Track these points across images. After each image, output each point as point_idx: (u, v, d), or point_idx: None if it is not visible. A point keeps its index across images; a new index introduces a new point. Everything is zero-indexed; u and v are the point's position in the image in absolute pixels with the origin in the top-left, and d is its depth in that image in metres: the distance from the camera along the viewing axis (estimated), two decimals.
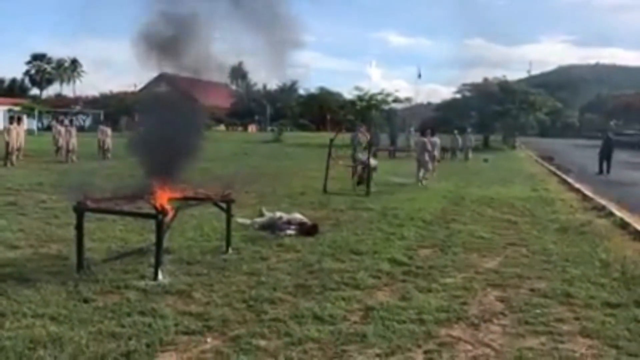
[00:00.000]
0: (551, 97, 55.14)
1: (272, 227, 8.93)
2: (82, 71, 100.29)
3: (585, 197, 14.95)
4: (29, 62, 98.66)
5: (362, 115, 50.41)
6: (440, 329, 4.95)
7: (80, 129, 47.44)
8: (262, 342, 4.50)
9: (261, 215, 9.69)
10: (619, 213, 11.64)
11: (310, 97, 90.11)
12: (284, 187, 15.36)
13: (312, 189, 14.79)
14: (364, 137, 20.11)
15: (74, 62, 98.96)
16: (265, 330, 4.74)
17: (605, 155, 24.75)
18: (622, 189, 17.99)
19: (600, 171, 24.21)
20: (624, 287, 6.30)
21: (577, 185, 17.87)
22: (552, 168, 26.46)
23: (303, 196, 13.56)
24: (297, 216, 9.37)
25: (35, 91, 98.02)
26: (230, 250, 7.46)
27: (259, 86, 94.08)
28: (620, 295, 5.98)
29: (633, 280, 6.52)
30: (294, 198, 13.09)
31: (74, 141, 24.29)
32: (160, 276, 6.05)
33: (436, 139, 19.85)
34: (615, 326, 5.08)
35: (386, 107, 54.52)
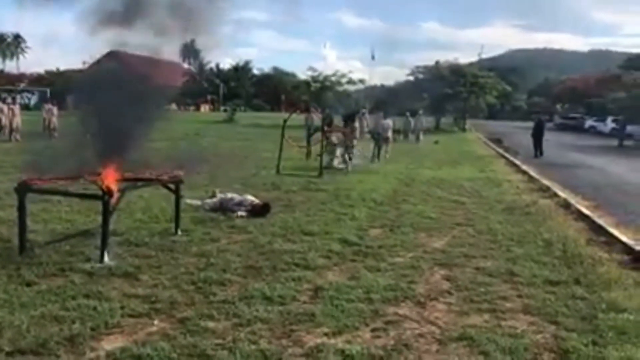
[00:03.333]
0: (501, 81, 56.29)
1: (223, 208, 8.86)
2: (27, 47, 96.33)
3: (531, 179, 15.40)
4: None
5: (316, 97, 50.45)
6: (388, 307, 5.02)
7: (25, 107, 45.89)
8: (211, 324, 4.47)
9: (213, 196, 9.59)
10: (562, 194, 12.04)
11: (265, 77, 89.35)
12: (236, 168, 15.24)
13: (265, 170, 14.73)
14: (317, 118, 20.11)
15: (17, 37, 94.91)
16: (214, 312, 4.71)
17: (537, 137, 25.38)
18: (567, 170, 18.60)
19: (536, 154, 24.70)
20: (565, 265, 6.54)
21: (524, 167, 18.36)
22: (500, 150, 27.08)
23: (255, 177, 13.49)
24: (249, 197, 9.31)
25: None
26: (179, 232, 7.36)
27: (212, 65, 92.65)
28: (560, 273, 6.19)
29: (573, 259, 6.76)
30: (246, 179, 13.00)
31: (17, 120, 23.47)
32: (106, 258, 5.91)
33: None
34: (555, 303, 5.26)
35: (340, 88, 54.72)
